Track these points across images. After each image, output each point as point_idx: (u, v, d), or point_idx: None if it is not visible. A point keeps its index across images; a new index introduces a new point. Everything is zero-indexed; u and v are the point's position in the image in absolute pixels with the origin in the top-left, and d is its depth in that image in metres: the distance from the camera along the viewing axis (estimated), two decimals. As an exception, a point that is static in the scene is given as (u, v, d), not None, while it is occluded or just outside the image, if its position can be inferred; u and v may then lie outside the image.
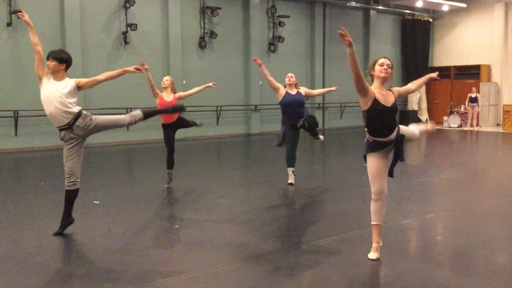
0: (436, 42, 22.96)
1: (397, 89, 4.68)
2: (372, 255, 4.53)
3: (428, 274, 4.22)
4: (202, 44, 16.04)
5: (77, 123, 5.13)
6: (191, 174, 9.22)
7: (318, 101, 19.36)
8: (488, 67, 20.86)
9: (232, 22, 16.94)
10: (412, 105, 21.81)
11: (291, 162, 8.01)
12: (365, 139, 4.62)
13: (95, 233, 5.42)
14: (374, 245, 4.58)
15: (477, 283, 3.99)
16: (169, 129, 7.96)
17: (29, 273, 4.26)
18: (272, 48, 17.84)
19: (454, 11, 21.57)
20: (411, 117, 21.41)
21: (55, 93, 5.08)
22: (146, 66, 6.55)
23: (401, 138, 4.53)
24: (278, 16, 17.79)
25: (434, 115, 21.93)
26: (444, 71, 22.18)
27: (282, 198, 7.38)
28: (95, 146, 13.85)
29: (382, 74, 4.49)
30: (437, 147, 14.30)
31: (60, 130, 5.17)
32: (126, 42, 14.47)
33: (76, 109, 5.15)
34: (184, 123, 8.10)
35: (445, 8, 21.00)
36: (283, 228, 5.71)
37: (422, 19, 22.02)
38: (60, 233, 5.29)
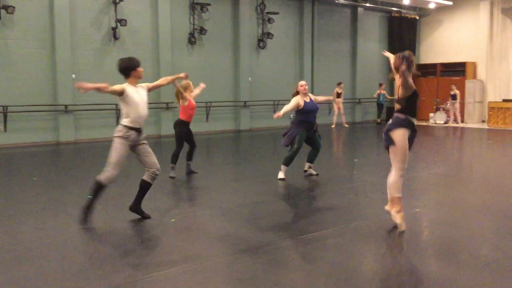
0: (423, 40, 23.24)
1: None
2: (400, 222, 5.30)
3: (418, 266, 4.37)
4: (191, 40, 16.08)
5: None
6: (183, 170, 9.29)
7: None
8: (474, 65, 21.16)
9: (222, 19, 17.00)
10: (399, 101, 22.04)
11: (288, 161, 8.24)
12: (394, 117, 5.29)
13: (92, 227, 5.48)
14: (401, 213, 5.32)
15: (466, 274, 4.15)
16: (186, 127, 8.53)
17: (27, 267, 4.32)
18: (261, 44, 17.94)
19: (440, 8, 21.84)
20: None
21: (145, 98, 5.77)
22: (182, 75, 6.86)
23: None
24: (267, 13, 17.89)
25: (420, 112, 22.18)
26: (431, 68, 22.47)
27: (275, 192, 7.49)
28: (84, 142, 13.85)
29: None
30: (424, 143, 14.52)
31: (138, 131, 5.70)
32: (115, 38, 14.46)
33: None
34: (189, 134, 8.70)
35: (432, 5, 21.27)
36: (278, 221, 5.83)
37: (409, 17, 22.26)
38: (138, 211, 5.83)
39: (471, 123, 20.16)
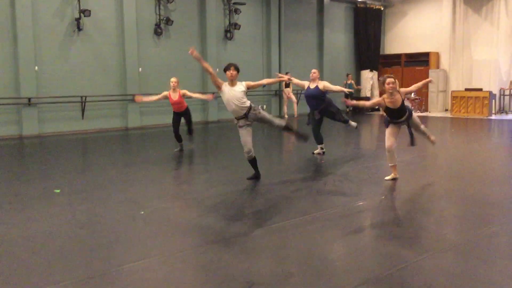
0: (388, 30, 23.57)
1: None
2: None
3: (385, 251, 4.48)
4: (158, 31, 15.89)
5: (250, 113, 7.19)
6: (152, 162, 9.24)
7: (274, 88, 19.56)
8: (437, 54, 21.60)
9: (188, 9, 16.85)
10: (365, 91, 22.36)
11: (316, 140, 9.66)
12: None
13: (59, 222, 5.41)
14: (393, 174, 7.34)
15: (431, 258, 4.27)
16: (176, 115, 10.30)
17: (-5, 261, 4.25)
18: (228, 35, 17.87)
19: (404, -1, 22.19)
20: (364, 103, 21.96)
21: (237, 95, 7.08)
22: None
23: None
24: (234, 3, 17.82)
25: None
26: (395, 59, 22.84)
27: (243, 182, 7.50)
28: (49, 135, 13.59)
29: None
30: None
31: (238, 119, 7.21)
32: (79, 29, 14.16)
33: (248, 103, 7.17)
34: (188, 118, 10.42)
35: (396, -4, 21.58)
36: (247, 211, 5.87)
37: (374, 7, 22.53)
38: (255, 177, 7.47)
39: (435, 112, 20.62)
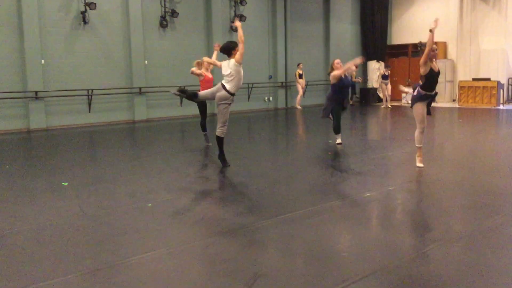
0: (394, 20, 23.40)
1: None
2: (420, 164, 7.56)
3: (393, 242, 4.46)
4: (163, 23, 15.86)
5: None
6: (158, 155, 9.25)
7: (280, 79, 19.51)
8: (444, 44, 21.42)
9: (193, 1, 16.79)
10: (372, 82, 22.25)
11: (336, 131, 9.84)
12: (417, 91, 7.34)
13: (67, 214, 5.43)
14: (419, 158, 7.60)
15: (438, 248, 4.26)
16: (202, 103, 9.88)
17: (2, 254, 4.27)
18: (234, 27, 17.80)
19: (411, -11, 21.99)
20: (371, 94, 21.88)
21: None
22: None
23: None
24: (239, -5, 17.75)
25: (392, 92, 22.42)
26: (402, 49, 22.69)
27: (251, 175, 7.51)
28: (56, 128, 13.63)
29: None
30: (396, 123, 14.74)
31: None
32: (85, 22, 14.16)
33: None
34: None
35: (403, -14, 21.37)
36: (255, 203, 5.86)
37: (380, -2, 22.36)
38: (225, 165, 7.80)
39: (442, 102, 20.49)
